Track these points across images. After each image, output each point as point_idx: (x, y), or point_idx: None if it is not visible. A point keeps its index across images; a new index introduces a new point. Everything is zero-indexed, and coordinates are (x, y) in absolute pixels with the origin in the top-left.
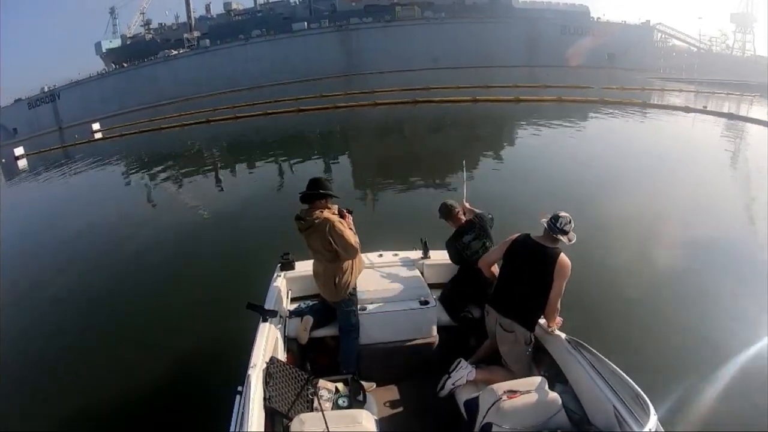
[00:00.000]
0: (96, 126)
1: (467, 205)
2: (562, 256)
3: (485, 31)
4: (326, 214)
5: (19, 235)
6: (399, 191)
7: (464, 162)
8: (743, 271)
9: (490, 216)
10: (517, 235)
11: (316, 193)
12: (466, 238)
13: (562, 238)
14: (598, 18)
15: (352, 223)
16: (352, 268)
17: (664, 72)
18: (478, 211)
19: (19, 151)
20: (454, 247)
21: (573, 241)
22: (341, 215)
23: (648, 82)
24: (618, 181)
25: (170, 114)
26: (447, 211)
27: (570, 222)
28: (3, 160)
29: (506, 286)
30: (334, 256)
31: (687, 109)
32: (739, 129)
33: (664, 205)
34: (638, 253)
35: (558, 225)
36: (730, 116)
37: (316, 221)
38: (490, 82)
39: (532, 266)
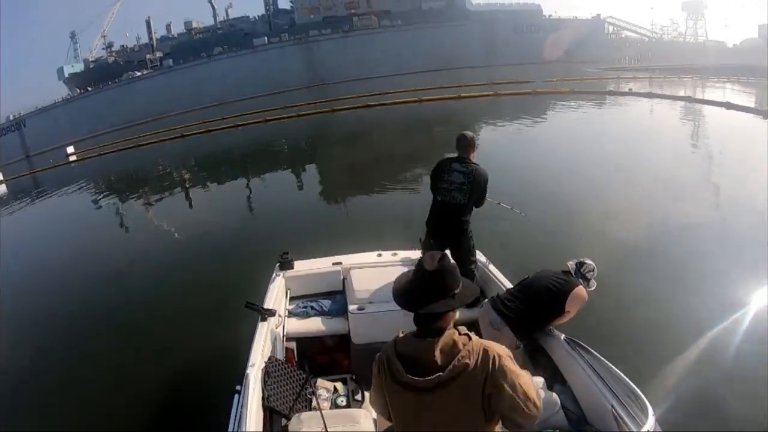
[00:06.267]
0: (70, 149)
1: None
2: (580, 287)
3: (443, 34)
4: (477, 340)
5: (18, 255)
6: (398, 191)
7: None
8: (741, 260)
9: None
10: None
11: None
12: (456, 165)
13: (582, 283)
14: (550, 15)
15: None
16: None
17: (618, 62)
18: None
19: None
20: (439, 165)
21: (592, 289)
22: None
23: (588, 73)
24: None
25: (142, 133)
26: (467, 142)
27: (593, 270)
28: None
29: (517, 293)
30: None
31: (611, 93)
32: (654, 106)
33: (628, 192)
34: (634, 250)
35: (582, 270)
36: (649, 95)
37: (465, 361)
38: (444, 83)
39: (549, 286)
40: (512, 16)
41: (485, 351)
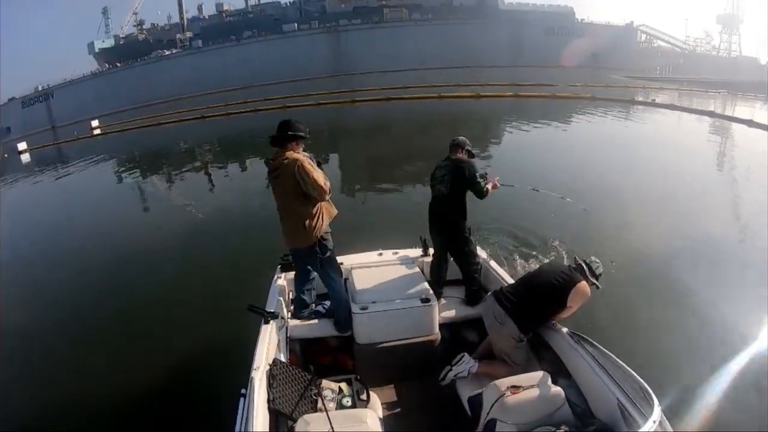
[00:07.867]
0: (95, 123)
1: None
2: (583, 283)
3: (471, 32)
4: (295, 155)
5: (17, 235)
6: (397, 190)
7: None
8: (742, 263)
9: (483, 172)
10: None
11: (286, 135)
12: (440, 163)
13: (590, 278)
14: (582, 19)
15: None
16: (322, 213)
17: (648, 72)
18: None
19: (22, 146)
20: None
21: (599, 287)
22: None
23: (614, 80)
24: (595, 175)
25: (165, 111)
26: (455, 143)
27: (599, 267)
28: (6, 155)
29: (520, 286)
30: (303, 201)
31: (633, 102)
32: (675, 118)
33: (646, 195)
34: (637, 245)
35: (592, 268)
36: (671, 107)
37: (285, 162)
38: (467, 81)
39: (552, 281)
40: (543, 17)
41: (295, 159)
